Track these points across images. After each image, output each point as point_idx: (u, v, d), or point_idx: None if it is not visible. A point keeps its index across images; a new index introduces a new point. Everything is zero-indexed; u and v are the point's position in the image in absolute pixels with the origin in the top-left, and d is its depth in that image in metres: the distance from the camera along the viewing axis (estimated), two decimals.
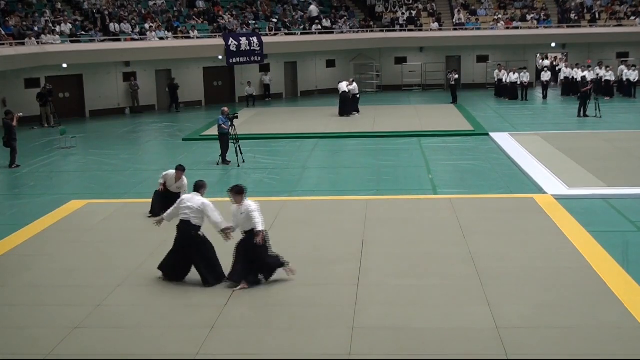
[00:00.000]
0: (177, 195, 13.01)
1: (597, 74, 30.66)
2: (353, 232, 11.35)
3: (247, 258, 9.02)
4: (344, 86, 26.52)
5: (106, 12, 30.30)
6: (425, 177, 15.90)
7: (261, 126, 24.43)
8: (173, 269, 9.44)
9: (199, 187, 9.66)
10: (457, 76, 31.13)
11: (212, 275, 9.23)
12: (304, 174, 16.59)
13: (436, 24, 36.48)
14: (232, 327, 7.96)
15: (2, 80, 26.06)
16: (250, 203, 9.16)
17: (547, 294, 8.66)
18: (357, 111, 26.60)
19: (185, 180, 13.18)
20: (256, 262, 9.06)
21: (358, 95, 27.22)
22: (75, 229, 12.21)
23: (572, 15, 36.83)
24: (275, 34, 33.37)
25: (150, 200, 13.03)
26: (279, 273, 9.39)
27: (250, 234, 9.02)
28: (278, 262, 9.22)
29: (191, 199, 9.47)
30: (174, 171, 13.03)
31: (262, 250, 9.02)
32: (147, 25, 30.22)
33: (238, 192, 9.23)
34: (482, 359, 7.08)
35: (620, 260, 9.87)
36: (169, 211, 9.73)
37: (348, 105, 26.35)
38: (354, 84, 26.96)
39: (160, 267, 9.54)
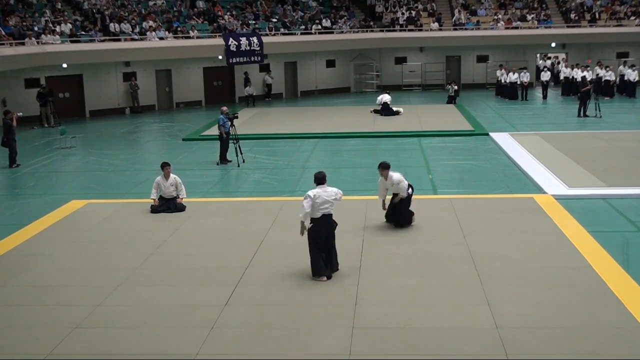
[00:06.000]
0: (173, 200, 13.08)
1: (597, 74, 30.68)
2: (353, 232, 11.36)
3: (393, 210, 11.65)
4: (386, 98, 26.46)
5: (106, 12, 30.32)
6: (425, 177, 15.90)
7: (261, 126, 24.44)
8: (324, 265, 9.39)
9: (324, 179, 9.54)
10: (456, 87, 31.00)
11: (334, 270, 9.57)
12: (304, 174, 16.59)
13: (436, 24, 36.49)
14: (232, 327, 7.95)
15: (2, 80, 26.08)
16: (395, 174, 11.40)
17: (547, 294, 8.66)
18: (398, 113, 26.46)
19: (177, 177, 13.28)
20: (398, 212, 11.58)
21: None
22: (76, 229, 12.21)
23: (572, 15, 36.85)
24: (275, 34, 33.37)
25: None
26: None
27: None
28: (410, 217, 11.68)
29: (325, 193, 9.39)
30: (160, 177, 13.17)
31: (405, 205, 11.59)
32: (146, 25, 30.22)
33: (386, 168, 11.39)
34: (482, 359, 7.08)
35: (620, 260, 9.87)
36: (306, 212, 9.26)
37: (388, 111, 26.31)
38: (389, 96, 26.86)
39: (318, 274, 9.36)
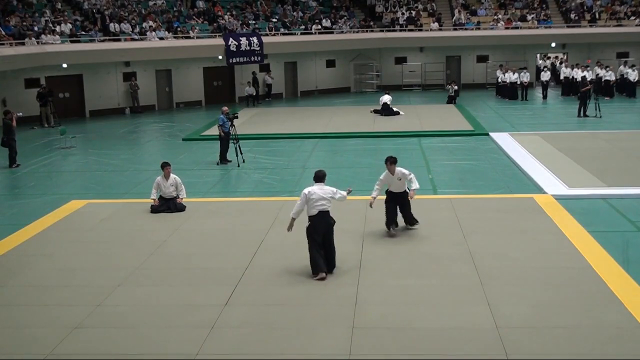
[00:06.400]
0: (173, 200, 13.08)
1: (597, 74, 30.68)
2: (353, 232, 11.35)
3: (396, 211, 11.38)
4: (385, 98, 26.50)
5: (106, 12, 30.32)
6: (425, 177, 15.89)
7: (261, 126, 24.44)
8: (323, 263, 9.46)
9: (323, 177, 9.75)
10: (456, 87, 30.97)
11: (331, 268, 9.59)
12: (304, 174, 16.58)
13: (436, 24, 36.49)
14: (232, 327, 7.96)
15: (2, 80, 26.08)
16: (401, 169, 11.19)
17: (547, 293, 8.67)
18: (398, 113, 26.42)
19: (177, 177, 13.28)
20: (403, 212, 11.42)
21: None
22: (76, 229, 12.21)
23: (572, 15, 36.86)
24: (275, 34, 33.38)
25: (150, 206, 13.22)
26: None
27: (403, 193, 11.30)
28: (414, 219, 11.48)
29: (321, 190, 9.54)
30: (160, 177, 13.17)
31: (408, 203, 11.39)
32: (146, 25, 30.21)
33: (393, 162, 11.14)
34: (482, 359, 7.08)
35: (620, 260, 9.87)
36: (296, 208, 9.59)
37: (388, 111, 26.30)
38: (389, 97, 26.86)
39: (317, 271, 9.40)
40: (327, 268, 9.47)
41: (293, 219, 9.67)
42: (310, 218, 9.48)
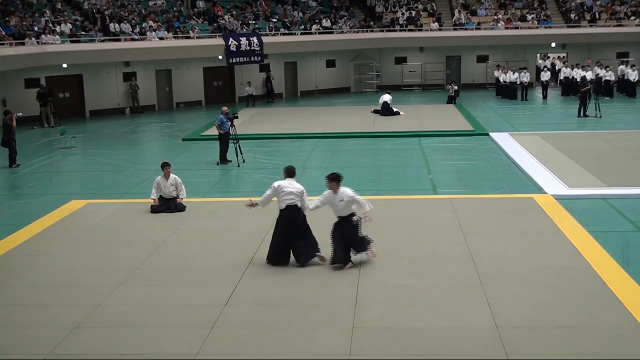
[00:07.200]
0: (173, 200, 13.07)
1: (597, 74, 30.67)
2: None
3: (344, 241, 9.69)
4: (386, 97, 26.53)
5: (106, 12, 30.32)
6: (425, 177, 15.90)
7: (261, 126, 24.44)
8: (278, 255, 9.86)
9: (293, 173, 10.01)
10: (456, 87, 30.96)
11: (305, 257, 9.78)
12: (304, 174, 16.55)
13: (436, 24, 36.50)
14: (232, 327, 7.95)
15: (2, 80, 26.08)
16: (347, 190, 9.67)
17: (547, 294, 8.66)
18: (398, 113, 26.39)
19: (177, 177, 13.28)
20: (349, 241, 9.72)
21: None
22: (76, 228, 12.21)
23: (572, 15, 36.86)
24: (275, 34, 33.38)
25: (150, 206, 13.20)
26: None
27: (347, 218, 9.69)
28: (366, 243, 9.80)
29: (291, 185, 9.85)
30: (160, 176, 13.17)
31: (355, 231, 9.72)
32: (146, 25, 30.20)
33: (333, 179, 9.69)
34: (482, 359, 7.08)
35: (620, 260, 9.87)
36: (264, 197, 10.05)
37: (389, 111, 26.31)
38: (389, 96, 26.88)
39: (269, 259, 9.94)
40: (300, 260, 9.77)
41: (257, 204, 10.16)
42: (280, 211, 9.87)
